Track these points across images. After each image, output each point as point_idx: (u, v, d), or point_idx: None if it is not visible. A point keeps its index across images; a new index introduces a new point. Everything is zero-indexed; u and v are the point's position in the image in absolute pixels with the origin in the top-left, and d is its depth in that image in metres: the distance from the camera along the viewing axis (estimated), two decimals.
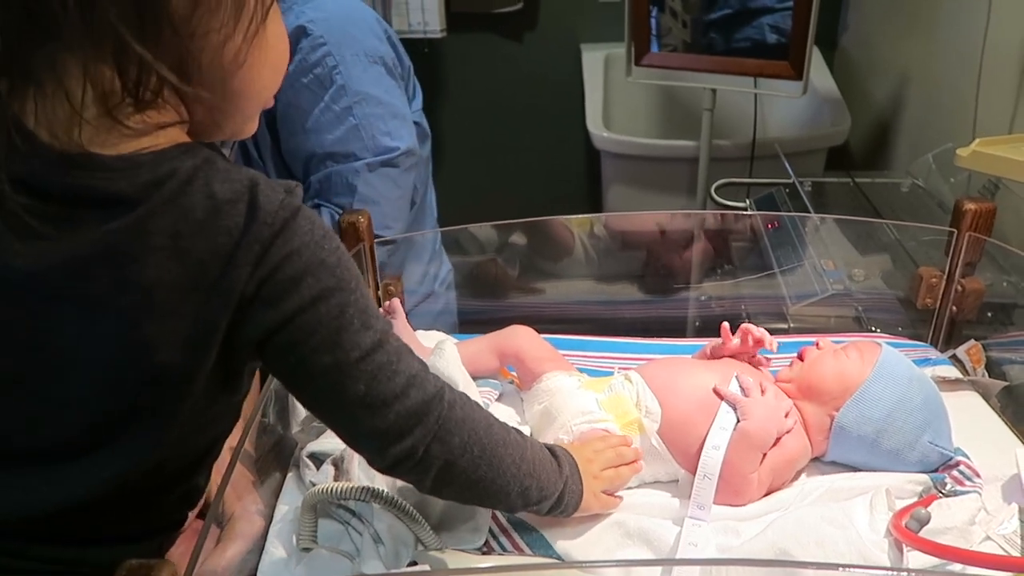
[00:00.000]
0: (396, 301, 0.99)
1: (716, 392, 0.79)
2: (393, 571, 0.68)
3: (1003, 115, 1.40)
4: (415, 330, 1.02)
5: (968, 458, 0.79)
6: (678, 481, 0.80)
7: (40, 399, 0.54)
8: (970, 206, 0.98)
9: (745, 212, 1.63)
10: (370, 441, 0.59)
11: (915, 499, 0.75)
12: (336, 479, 0.77)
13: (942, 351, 1.04)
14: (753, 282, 1.34)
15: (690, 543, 0.70)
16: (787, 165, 1.67)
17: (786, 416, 0.79)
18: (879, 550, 0.67)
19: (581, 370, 0.92)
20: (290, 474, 0.82)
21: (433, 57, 2.33)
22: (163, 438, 0.56)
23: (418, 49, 2.18)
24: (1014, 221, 1.27)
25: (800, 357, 0.86)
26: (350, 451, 0.78)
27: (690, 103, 2.07)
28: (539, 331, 0.93)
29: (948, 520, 0.70)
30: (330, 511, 0.75)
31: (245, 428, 0.71)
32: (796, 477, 0.81)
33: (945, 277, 1.03)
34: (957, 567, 0.65)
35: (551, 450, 0.71)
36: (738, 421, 0.77)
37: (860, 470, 0.80)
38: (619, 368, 0.90)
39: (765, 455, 0.77)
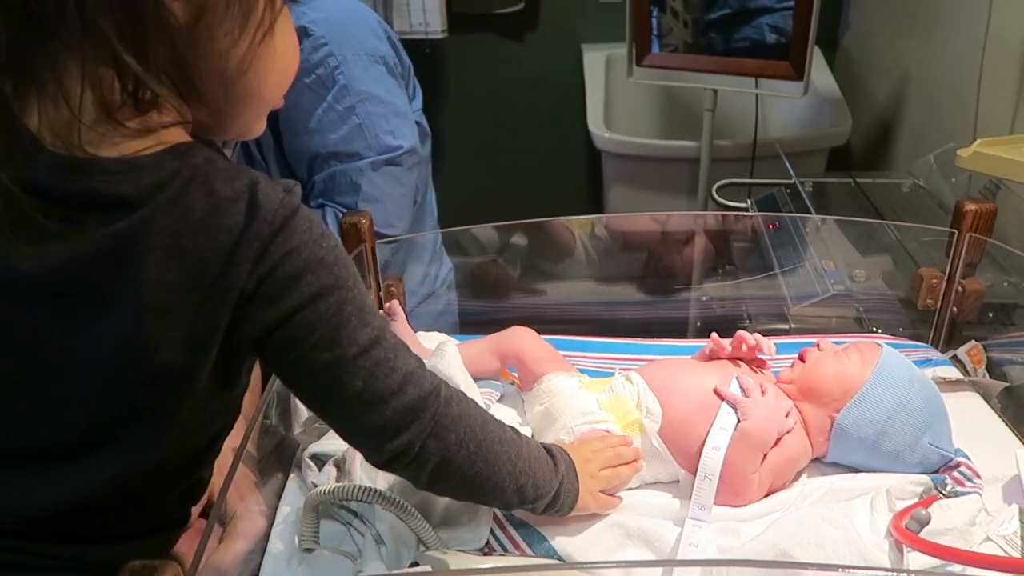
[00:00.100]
0: (396, 303, 1.00)
1: (717, 393, 0.79)
2: (395, 572, 0.69)
3: (1004, 115, 1.40)
4: (416, 331, 1.03)
5: (968, 459, 0.79)
6: (679, 482, 0.80)
7: (41, 399, 0.54)
8: (971, 207, 0.98)
9: (746, 213, 1.63)
10: (367, 437, 0.60)
11: (915, 500, 0.75)
12: (338, 480, 0.78)
13: (943, 352, 1.04)
14: (754, 283, 1.34)
15: (691, 544, 0.70)
16: (788, 165, 1.67)
17: (786, 417, 0.79)
18: (879, 551, 0.67)
19: (582, 371, 0.92)
20: (292, 475, 0.82)
21: (434, 57, 2.33)
22: (164, 437, 0.56)
23: (419, 50, 2.18)
24: (1015, 222, 1.27)
25: (801, 358, 0.86)
26: (352, 452, 0.78)
27: (691, 103, 2.07)
28: (540, 332, 0.93)
29: (948, 521, 0.70)
30: (332, 512, 0.75)
31: (247, 429, 0.72)
32: (796, 478, 0.81)
33: (946, 278, 1.03)
34: (957, 568, 0.65)
35: (547, 449, 0.71)
36: (739, 422, 0.77)
37: (860, 471, 0.80)
38: (620, 369, 0.90)
39: (766, 456, 0.77)
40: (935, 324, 1.05)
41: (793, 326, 1.21)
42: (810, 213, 1.47)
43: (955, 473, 0.78)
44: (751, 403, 0.78)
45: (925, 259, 1.12)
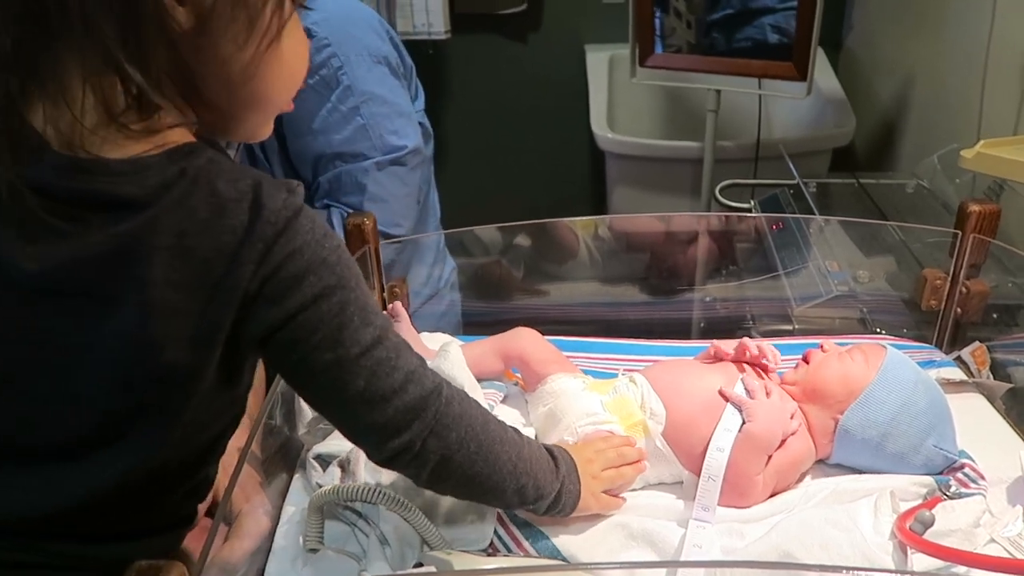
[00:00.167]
0: (399, 304, 1.00)
1: (722, 394, 0.79)
2: (399, 572, 0.69)
3: (1008, 116, 1.40)
4: (419, 332, 1.03)
5: (973, 460, 0.79)
6: (682, 483, 0.80)
7: (46, 397, 0.54)
8: (975, 208, 0.98)
9: (749, 213, 1.63)
10: (369, 435, 0.60)
11: (919, 501, 0.75)
12: (342, 481, 0.78)
13: (947, 353, 1.04)
14: (757, 283, 1.34)
15: (694, 545, 0.70)
16: (791, 166, 1.67)
17: (791, 418, 0.79)
18: (883, 552, 0.67)
19: (585, 372, 0.92)
20: (296, 476, 0.83)
21: (437, 58, 2.33)
22: (169, 435, 0.56)
23: (422, 50, 2.19)
24: (1019, 222, 1.26)
25: (805, 360, 0.86)
26: (356, 453, 0.79)
27: (694, 104, 2.07)
28: (543, 333, 0.94)
29: (952, 523, 0.70)
30: (336, 512, 0.75)
31: (252, 430, 0.72)
32: (800, 479, 0.81)
33: (950, 279, 1.03)
34: (961, 570, 0.65)
35: (549, 450, 0.71)
36: (743, 423, 0.77)
37: (864, 472, 0.80)
38: (623, 370, 0.91)
39: (770, 457, 0.77)
40: (939, 325, 1.05)
41: (797, 327, 1.21)
42: (814, 214, 1.46)
43: (959, 475, 0.78)
44: (756, 405, 0.78)
45: (929, 260, 1.12)
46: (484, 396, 0.90)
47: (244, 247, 0.51)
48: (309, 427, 0.88)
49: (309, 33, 1.10)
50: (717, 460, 0.75)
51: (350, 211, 1.14)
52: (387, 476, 0.75)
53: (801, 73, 1.61)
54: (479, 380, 0.91)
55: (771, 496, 0.77)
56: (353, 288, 0.56)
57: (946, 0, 1.70)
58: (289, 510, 0.78)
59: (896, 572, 0.67)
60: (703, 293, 1.35)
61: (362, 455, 0.77)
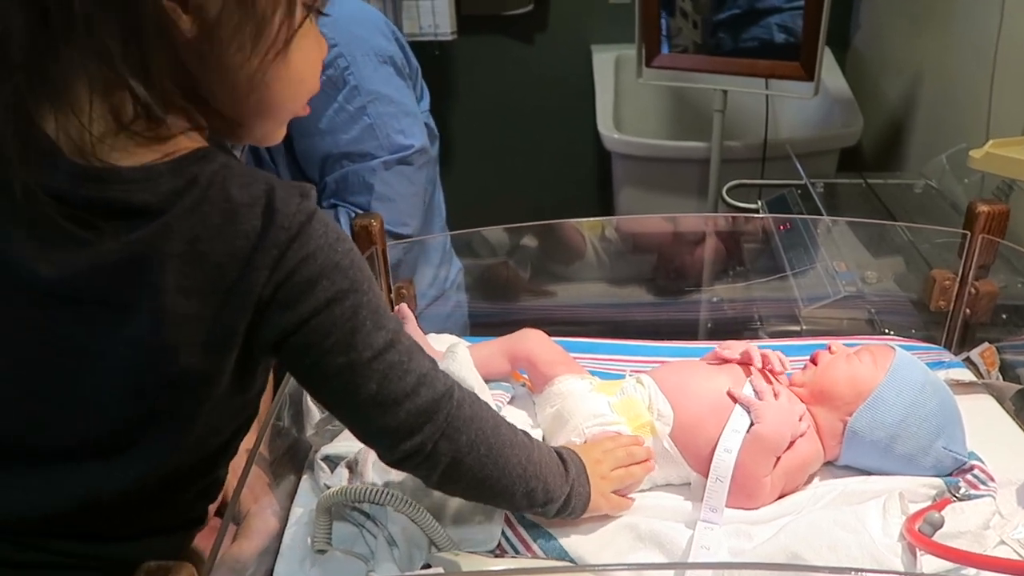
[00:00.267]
0: (405, 306, 1.00)
1: (730, 395, 0.79)
2: (407, 574, 0.69)
3: (1017, 116, 1.39)
4: (426, 333, 1.03)
5: (982, 462, 0.79)
6: (690, 484, 0.80)
7: (61, 402, 0.54)
8: (983, 208, 0.97)
9: (757, 214, 1.63)
10: (381, 438, 0.60)
11: (928, 503, 0.75)
12: (350, 482, 0.78)
13: (956, 354, 1.04)
14: (765, 284, 1.33)
15: (702, 546, 0.70)
16: (799, 166, 1.66)
17: (799, 420, 0.79)
18: (892, 554, 0.67)
19: (593, 373, 0.92)
20: (304, 477, 0.83)
21: (444, 59, 2.33)
22: (182, 440, 0.57)
23: (429, 51, 2.19)
24: None
25: (813, 361, 0.86)
26: (364, 454, 0.79)
27: (701, 104, 2.06)
28: (551, 334, 0.93)
29: (962, 524, 0.70)
30: (344, 513, 0.75)
31: (260, 431, 0.72)
32: (809, 481, 0.80)
33: (958, 279, 1.02)
34: (971, 572, 0.65)
35: (559, 453, 0.71)
36: (751, 424, 0.77)
37: (873, 474, 0.80)
38: (631, 371, 0.90)
39: (778, 459, 0.77)
40: (948, 326, 1.05)
41: (804, 328, 1.21)
42: (821, 214, 1.46)
43: (968, 476, 0.77)
44: (765, 406, 0.78)
45: (937, 260, 1.12)
46: (491, 397, 0.90)
47: (257, 252, 0.51)
48: (317, 428, 0.88)
49: None
50: (725, 461, 0.75)
51: (357, 211, 1.14)
52: (395, 477, 0.75)
53: (808, 73, 1.61)
54: (486, 381, 0.91)
55: (779, 497, 0.77)
56: (365, 292, 0.56)
57: None
58: (297, 511, 0.78)
59: (905, 574, 0.66)
60: (710, 294, 1.35)
61: (370, 456, 0.78)
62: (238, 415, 0.63)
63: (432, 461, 0.61)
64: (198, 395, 0.55)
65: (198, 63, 0.51)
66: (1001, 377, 0.98)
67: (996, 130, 1.44)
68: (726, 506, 0.74)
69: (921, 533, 0.67)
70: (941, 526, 0.68)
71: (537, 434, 0.84)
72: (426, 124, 1.26)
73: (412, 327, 0.98)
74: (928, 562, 0.66)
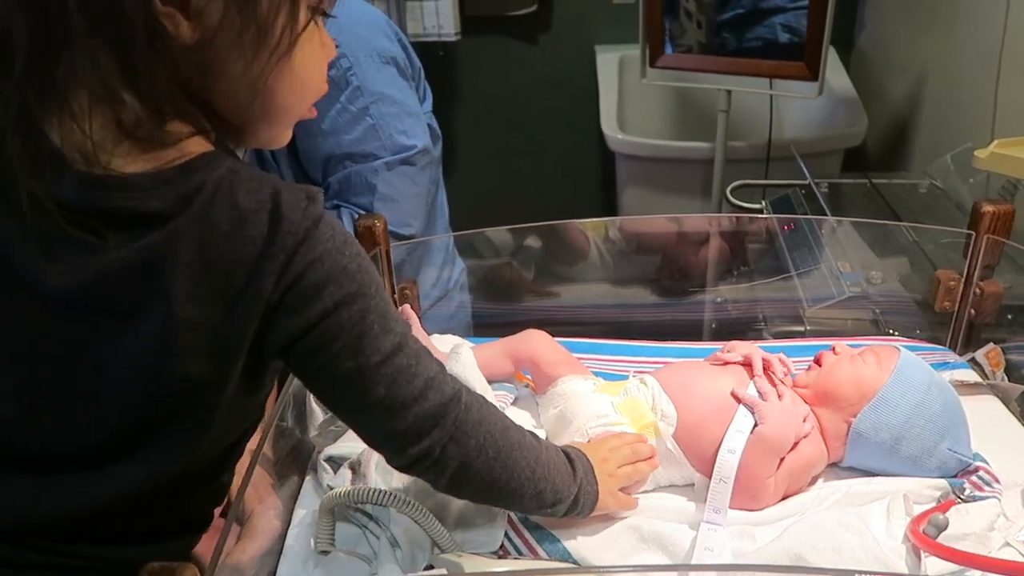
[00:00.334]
0: (408, 307, 1.00)
1: (734, 395, 0.79)
2: (410, 575, 0.69)
3: (1022, 115, 1.38)
4: (429, 334, 1.03)
5: (987, 463, 0.79)
6: (693, 485, 0.80)
7: (70, 408, 0.55)
8: (988, 208, 0.97)
9: (761, 214, 1.63)
10: (389, 442, 0.60)
11: (933, 504, 0.75)
12: (353, 483, 0.78)
13: (960, 354, 1.03)
14: (769, 285, 1.33)
15: (706, 548, 0.70)
16: (803, 166, 1.66)
17: (804, 421, 0.79)
18: (896, 556, 0.67)
19: (596, 374, 0.92)
20: (308, 478, 0.83)
21: (448, 60, 2.34)
22: (191, 445, 0.57)
23: (433, 52, 2.19)
24: None
25: (817, 362, 0.85)
26: (367, 455, 0.79)
27: (705, 104, 2.06)
28: (554, 335, 0.93)
29: (966, 526, 0.70)
30: (347, 515, 0.76)
31: (264, 432, 0.72)
32: (813, 482, 0.80)
33: (963, 280, 1.02)
34: (975, 574, 0.65)
35: (566, 453, 0.71)
36: (755, 425, 0.77)
37: (877, 475, 0.80)
38: (634, 372, 0.90)
39: (782, 460, 0.76)
40: (952, 327, 1.05)
41: (809, 328, 1.21)
42: (825, 214, 1.46)
43: (973, 477, 0.77)
44: (768, 407, 0.78)
45: (942, 261, 1.11)
46: (495, 398, 0.90)
47: (265, 258, 0.51)
48: (320, 429, 0.88)
49: None
50: (728, 462, 0.75)
51: (360, 212, 1.14)
52: (398, 479, 0.75)
53: (813, 73, 1.61)
54: (490, 382, 0.91)
55: (783, 499, 0.77)
56: (373, 295, 0.56)
57: None
58: (300, 512, 0.78)
59: None
60: (714, 294, 1.34)
61: (373, 457, 0.78)
62: (246, 418, 0.63)
63: (441, 465, 0.60)
64: (208, 400, 0.55)
65: (199, 69, 0.51)
66: (1006, 378, 0.97)
67: (1001, 130, 1.44)
68: (730, 507, 0.74)
69: (925, 535, 0.67)
70: (945, 528, 0.67)
71: (540, 435, 0.84)
72: (428, 125, 1.26)
73: (416, 328, 0.98)
74: (932, 564, 0.66)
